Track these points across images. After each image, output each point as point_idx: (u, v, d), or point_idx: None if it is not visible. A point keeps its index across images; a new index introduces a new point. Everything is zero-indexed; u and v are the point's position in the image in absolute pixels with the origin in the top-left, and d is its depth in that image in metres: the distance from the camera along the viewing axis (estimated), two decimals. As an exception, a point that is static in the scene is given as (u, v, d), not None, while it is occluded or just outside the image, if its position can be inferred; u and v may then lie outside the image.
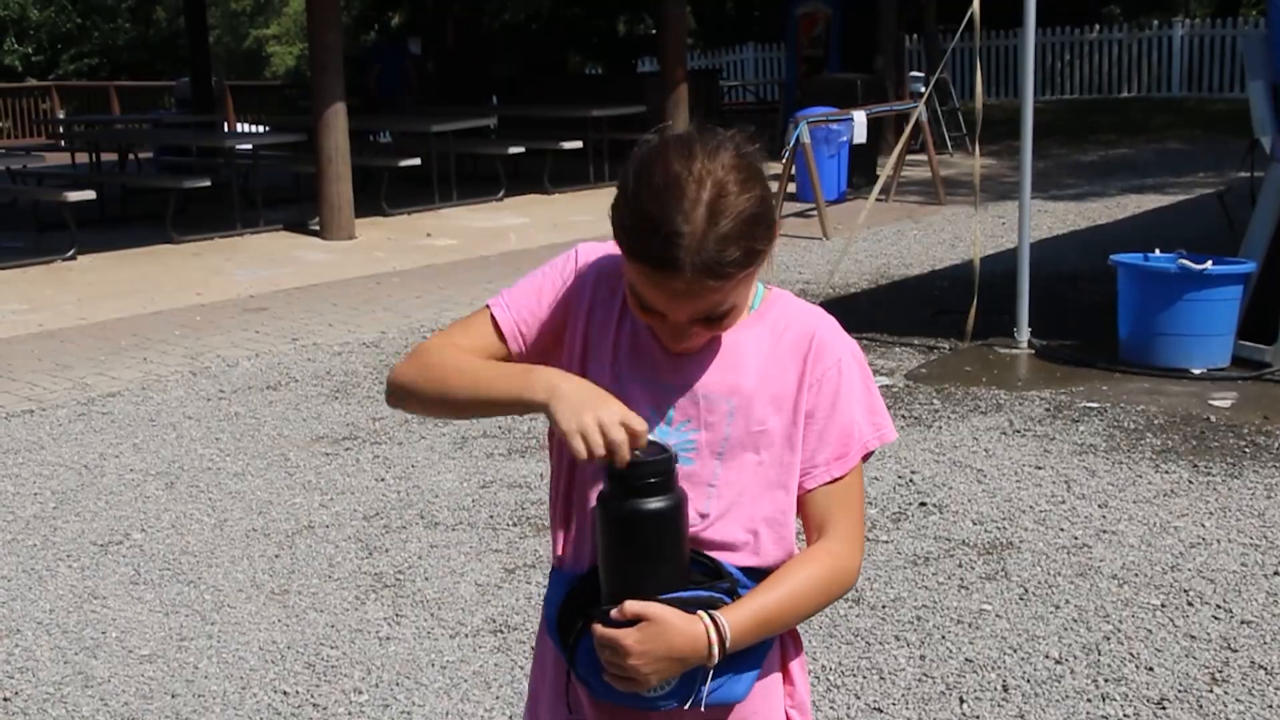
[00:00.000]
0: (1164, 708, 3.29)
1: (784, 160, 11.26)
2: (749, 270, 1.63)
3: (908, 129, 9.18)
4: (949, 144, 16.25)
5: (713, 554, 1.71)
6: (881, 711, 3.34)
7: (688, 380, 1.71)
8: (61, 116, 22.59)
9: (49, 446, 5.80)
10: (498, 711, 3.42)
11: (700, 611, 1.63)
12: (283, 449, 5.65)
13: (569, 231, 11.15)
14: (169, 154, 16.00)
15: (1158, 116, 19.42)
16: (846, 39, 16.66)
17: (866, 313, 7.78)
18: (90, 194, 10.78)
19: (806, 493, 1.74)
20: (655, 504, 1.60)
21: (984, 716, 3.29)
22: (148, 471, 5.42)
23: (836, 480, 1.74)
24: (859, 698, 3.41)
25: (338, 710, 3.45)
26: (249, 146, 13.18)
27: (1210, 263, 6.19)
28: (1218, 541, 4.31)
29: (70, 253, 10.28)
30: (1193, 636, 3.66)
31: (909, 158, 13.31)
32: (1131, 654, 3.57)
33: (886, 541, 4.36)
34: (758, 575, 1.71)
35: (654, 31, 23.70)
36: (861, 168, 13.00)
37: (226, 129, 18.75)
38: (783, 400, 1.72)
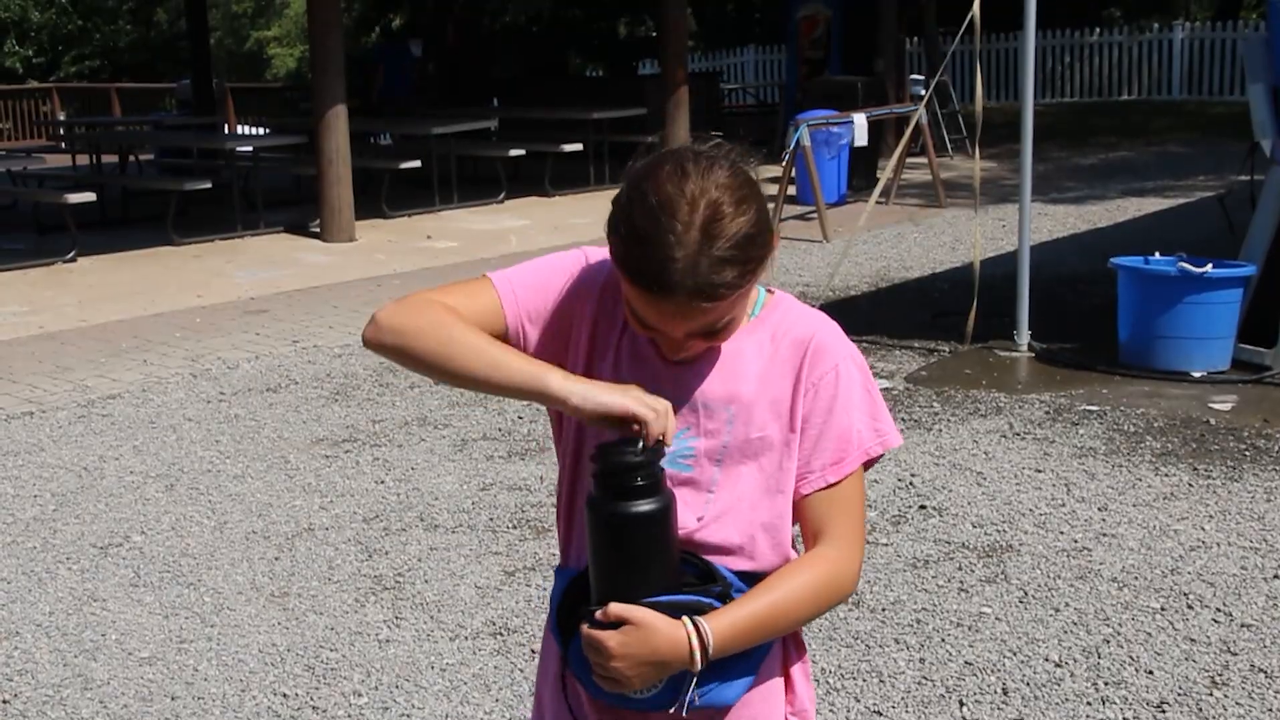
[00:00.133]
0: (1164, 711, 3.29)
1: (784, 163, 11.26)
2: (745, 288, 1.62)
3: (908, 131, 9.18)
4: (949, 146, 16.25)
5: (707, 558, 1.71)
6: (881, 715, 3.34)
7: (688, 388, 1.71)
8: (62, 118, 22.59)
9: (49, 448, 5.80)
10: (497, 714, 3.42)
11: (684, 617, 1.62)
12: (283, 451, 5.65)
13: (569, 234, 11.14)
14: (170, 156, 15.99)
15: (1158, 119, 19.42)
16: (847, 41, 16.66)
17: (866, 315, 7.78)
18: (91, 196, 10.77)
19: (803, 498, 1.73)
20: (643, 507, 1.60)
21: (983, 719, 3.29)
22: (148, 474, 5.42)
23: (832, 486, 1.73)
24: (859, 701, 3.41)
25: (337, 713, 3.45)
26: (250, 148, 13.18)
27: (1210, 266, 6.19)
28: (1218, 545, 4.31)
29: (71, 255, 10.28)
30: (1192, 640, 3.66)
31: (909, 160, 13.31)
32: (1131, 657, 3.57)
33: (886, 544, 4.36)
34: (753, 580, 1.71)
35: (654, 34, 23.69)
36: (862, 170, 13.00)
37: (227, 131, 18.74)
38: (780, 406, 1.72)
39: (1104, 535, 4.42)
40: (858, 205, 11.48)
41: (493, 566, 4.34)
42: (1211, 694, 3.37)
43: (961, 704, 3.36)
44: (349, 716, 3.43)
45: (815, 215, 11.01)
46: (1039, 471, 5.06)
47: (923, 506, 4.73)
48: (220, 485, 5.25)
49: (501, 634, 3.85)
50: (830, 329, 1.76)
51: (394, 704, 3.48)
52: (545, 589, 4.09)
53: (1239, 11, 24.36)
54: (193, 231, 11.27)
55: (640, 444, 1.60)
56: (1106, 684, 3.43)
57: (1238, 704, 3.32)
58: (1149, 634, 3.70)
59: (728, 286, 1.58)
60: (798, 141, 10.94)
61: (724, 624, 1.64)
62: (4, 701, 3.58)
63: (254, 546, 4.60)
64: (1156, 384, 6.18)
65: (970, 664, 3.57)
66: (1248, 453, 5.22)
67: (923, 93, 12.37)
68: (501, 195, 13.23)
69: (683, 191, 1.58)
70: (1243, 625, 3.74)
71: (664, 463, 1.65)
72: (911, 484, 4.96)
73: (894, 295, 8.57)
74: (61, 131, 19.42)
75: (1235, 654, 3.57)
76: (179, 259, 10.51)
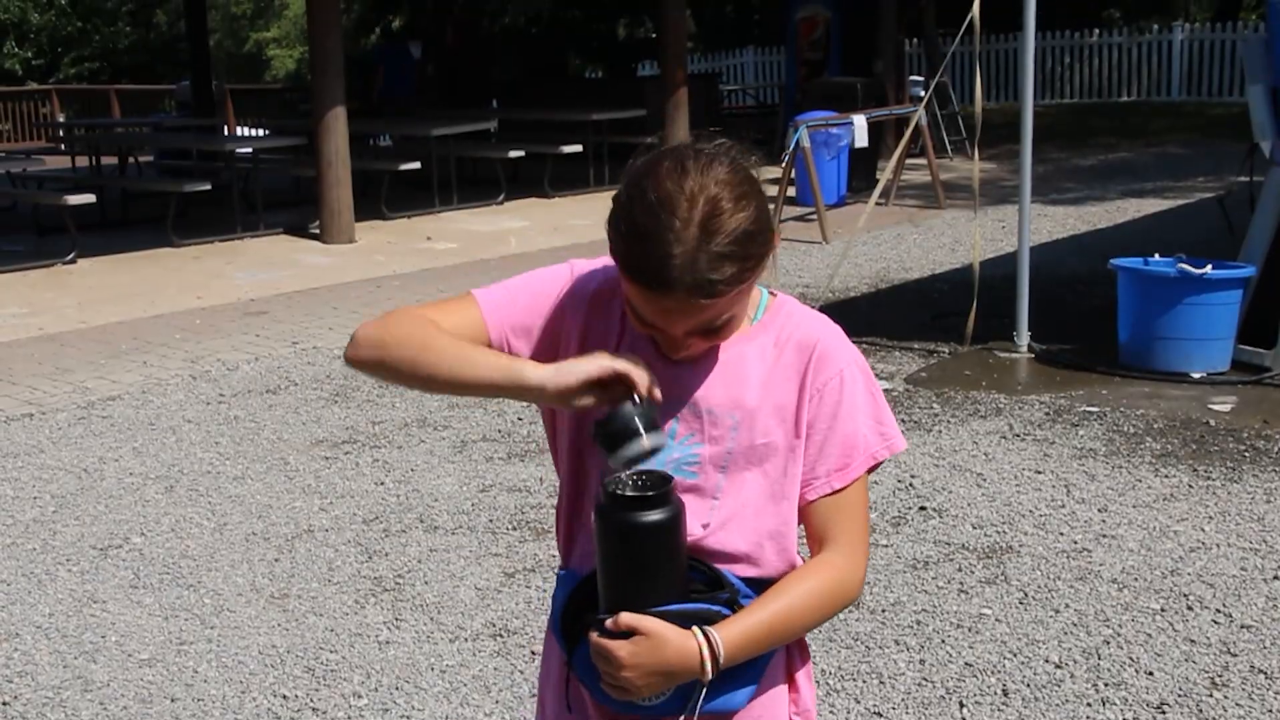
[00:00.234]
0: (1164, 712, 3.29)
1: (784, 164, 11.26)
2: (744, 285, 1.62)
3: (907, 133, 9.17)
4: (949, 148, 16.26)
5: (713, 564, 1.71)
6: (881, 716, 3.34)
7: (691, 395, 1.70)
8: (62, 120, 22.60)
9: (49, 450, 5.80)
10: (497, 715, 3.42)
11: (694, 627, 1.62)
12: (282, 453, 5.65)
13: (569, 235, 11.15)
14: (169, 157, 15.99)
15: (1157, 120, 19.42)
16: (846, 43, 16.66)
17: (866, 316, 7.78)
18: (90, 197, 10.77)
19: (808, 504, 1.73)
20: (653, 516, 1.59)
21: (984, 721, 3.29)
22: (147, 475, 5.42)
23: (838, 492, 1.73)
24: (859, 702, 3.41)
25: (337, 714, 3.45)
26: (249, 150, 13.17)
27: (1210, 267, 6.19)
28: (1217, 546, 4.31)
29: (70, 256, 10.28)
30: (1192, 641, 3.66)
31: (909, 161, 13.31)
32: (1131, 658, 3.57)
33: (886, 546, 4.36)
34: (759, 586, 1.71)
35: (654, 35, 23.72)
36: (861, 171, 13.01)
37: (227, 132, 18.75)
38: (785, 411, 1.71)
39: (1104, 536, 4.42)
40: (857, 206, 11.49)
41: (492, 568, 4.34)
42: (1211, 695, 3.37)
43: (962, 705, 3.36)
44: (349, 718, 3.43)
45: (815, 216, 11.01)
46: (1039, 473, 5.06)
47: (923, 508, 4.73)
48: (220, 487, 5.25)
49: (501, 635, 3.85)
50: (834, 333, 1.76)
51: (394, 705, 3.48)
52: (545, 590, 4.09)
53: (1238, 12, 24.37)
54: (192, 233, 11.27)
55: (635, 398, 1.60)
56: (1106, 685, 3.43)
57: (1238, 705, 3.32)
58: (1149, 635, 3.70)
59: (726, 283, 1.58)
60: (797, 143, 10.94)
61: (734, 633, 1.64)
62: (4, 704, 3.58)
63: (254, 548, 4.60)
64: (1156, 385, 6.18)
65: (970, 665, 3.57)
66: (1247, 454, 5.22)
67: (922, 94, 12.37)
68: (501, 196, 13.23)
69: (682, 188, 1.58)
70: (1243, 626, 3.74)
71: (670, 470, 1.65)
72: (911, 485, 4.96)
73: (894, 296, 8.57)
74: (61, 133, 19.43)
75: (1235, 655, 3.57)
76: (179, 261, 10.51)
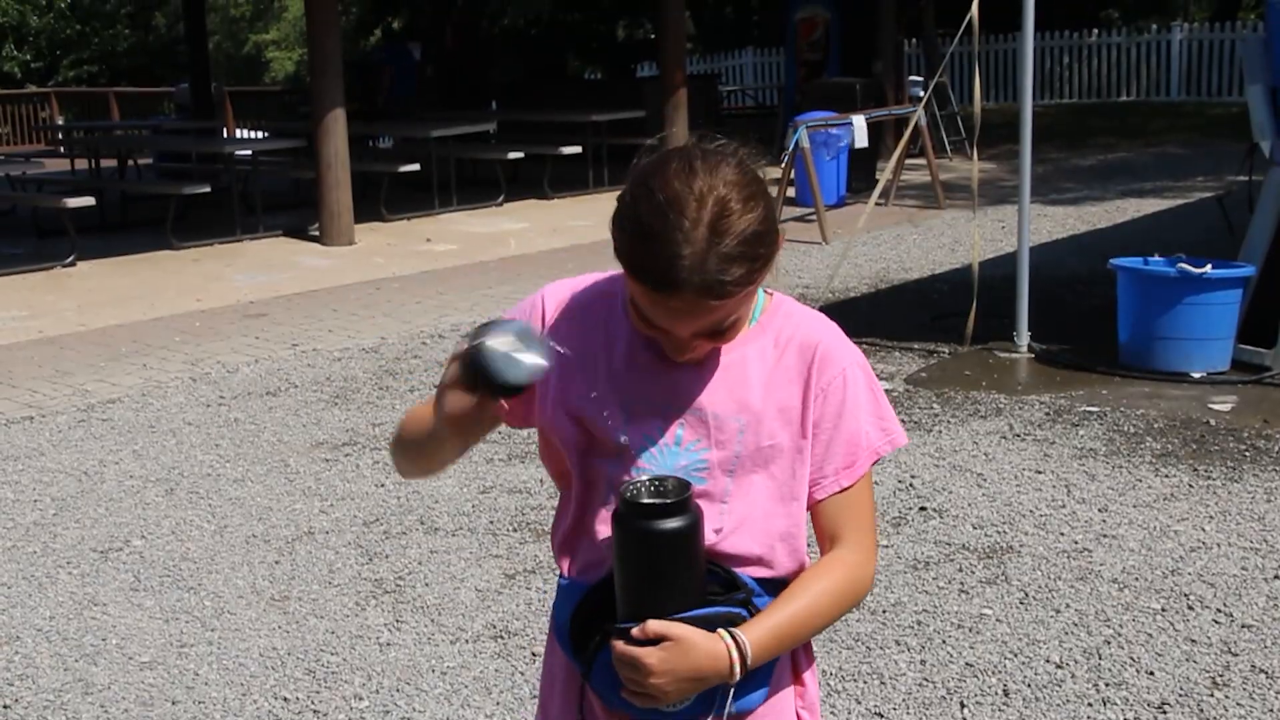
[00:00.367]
0: (1165, 712, 3.29)
1: (783, 165, 11.26)
2: (752, 286, 1.62)
3: (907, 133, 9.17)
4: (948, 148, 16.26)
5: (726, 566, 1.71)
6: (882, 717, 3.34)
7: (695, 400, 1.70)
8: (61, 123, 22.59)
9: (49, 453, 5.80)
10: (498, 717, 3.42)
11: (721, 630, 1.63)
12: (283, 455, 5.65)
13: (569, 236, 11.15)
14: (168, 160, 15.98)
15: (1156, 120, 19.43)
16: (846, 43, 16.67)
17: (866, 317, 7.78)
18: (90, 200, 10.77)
19: (816, 503, 1.74)
20: (674, 523, 1.59)
21: (985, 721, 3.29)
22: (148, 478, 5.42)
23: (845, 490, 1.74)
24: (860, 703, 3.41)
25: (338, 716, 3.45)
26: (248, 152, 13.17)
27: (1210, 266, 6.19)
28: (1218, 545, 4.31)
29: (70, 259, 10.28)
30: (1193, 640, 3.66)
31: (908, 162, 13.31)
32: (1132, 658, 3.57)
33: (887, 546, 4.36)
34: (772, 587, 1.72)
35: (653, 36, 23.71)
36: (861, 172, 13.00)
37: (226, 135, 18.75)
38: (790, 413, 1.71)
39: (1104, 536, 4.42)
40: (857, 207, 11.49)
41: (493, 569, 4.34)
42: (1212, 695, 3.37)
43: (963, 705, 3.36)
44: (350, 720, 3.43)
45: (814, 217, 11.01)
46: (1039, 473, 5.06)
47: (923, 508, 4.73)
48: (220, 489, 5.25)
49: (502, 637, 3.85)
50: (833, 332, 1.76)
51: (395, 707, 3.48)
52: (546, 592, 4.09)
53: (1237, 12, 24.38)
54: (192, 236, 11.27)
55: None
56: (1107, 685, 3.43)
57: (1239, 705, 3.32)
58: (1150, 635, 3.70)
59: (735, 284, 1.58)
60: (797, 143, 10.94)
61: (759, 634, 1.65)
62: (5, 707, 3.58)
63: (254, 550, 4.60)
64: (1156, 385, 6.18)
65: (971, 665, 3.57)
66: (1248, 453, 5.22)
67: (921, 94, 12.37)
68: (500, 198, 13.23)
69: (690, 188, 1.57)
70: (1243, 626, 3.74)
71: (680, 474, 1.66)
72: (912, 485, 4.96)
73: (893, 297, 8.57)
74: (60, 136, 19.41)
75: (1236, 655, 3.57)
76: (178, 263, 10.52)
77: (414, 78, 18.13)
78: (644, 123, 14.35)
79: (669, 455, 1.69)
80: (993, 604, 3.94)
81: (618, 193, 1.65)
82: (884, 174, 10.41)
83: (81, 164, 15.03)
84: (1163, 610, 3.85)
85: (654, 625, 1.60)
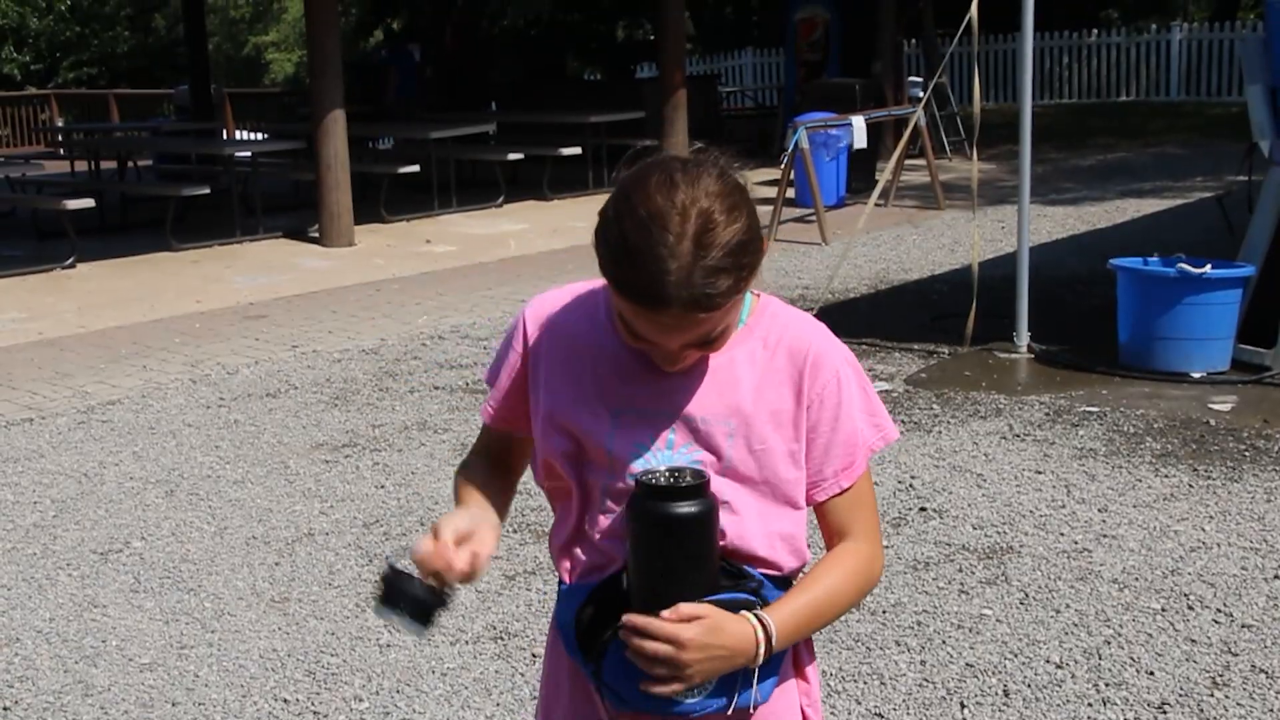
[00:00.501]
0: (1165, 712, 3.29)
1: (783, 165, 11.26)
2: (739, 295, 1.62)
3: (906, 134, 9.17)
4: (948, 148, 16.26)
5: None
6: (882, 717, 3.34)
7: (685, 405, 1.70)
8: (60, 125, 22.58)
9: (49, 455, 5.80)
10: (498, 718, 3.42)
11: (745, 612, 1.64)
12: (282, 456, 5.65)
13: (568, 237, 11.15)
14: (168, 161, 15.99)
15: (1156, 120, 19.43)
16: (845, 44, 16.67)
17: (866, 317, 7.78)
18: (89, 202, 10.77)
19: (820, 503, 1.75)
20: (690, 508, 1.60)
21: (985, 722, 3.29)
22: (148, 479, 5.42)
23: (846, 490, 1.75)
24: (860, 703, 3.41)
25: (338, 718, 3.45)
26: (248, 154, 13.17)
27: (1209, 266, 6.19)
28: (1218, 545, 4.31)
29: (70, 261, 10.28)
30: (1193, 640, 3.66)
31: (908, 162, 13.31)
32: (1132, 658, 3.57)
33: (887, 546, 4.36)
34: (776, 583, 1.72)
35: (653, 37, 23.71)
36: (860, 173, 13.00)
37: (226, 136, 18.74)
38: (781, 417, 1.71)
39: (1104, 536, 4.42)
40: (856, 207, 11.49)
41: (492, 571, 4.34)
42: (1212, 695, 3.37)
43: (963, 706, 3.36)
44: (350, 721, 3.43)
45: (814, 218, 11.01)
46: (1039, 473, 5.06)
47: (923, 509, 4.73)
48: (220, 491, 5.25)
49: (502, 638, 3.85)
50: (823, 335, 1.76)
51: (395, 709, 3.48)
52: (546, 593, 4.09)
53: (1237, 12, 24.37)
54: (191, 237, 11.27)
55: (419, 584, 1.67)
56: (1107, 685, 3.43)
57: (1239, 704, 3.32)
58: (1150, 635, 3.70)
59: (723, 295, 1.57)
60: (796, 144, 10.94)
61: (782, 616, 1.66)
62: (4, 709, 3.58)
63: (254, 552, 4.60)
64: (1156, 385, 6.18)
65: (971, 666, 3.57)
66: (1247, 453, 5.22)
67: (921, 95, 12.37)
68: (500, 199, 13.23)
69: (673, 202, 1.56)
70: (1243, 626, 3.74)
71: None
72: (911, 486, 4.96)
73: (893, 297, 8.57)
74: (60, 138, 19.40)
75: (1236, 654, 3.57)
76: (178, 265, 10.52)
77: (419, 79, 18.21)
78: (643, 124, 14.36)
79: (661, 461, 1.69)
80: (993, 604, 3.94)
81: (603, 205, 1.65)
82: (883, 174, 10.41)
83: (81, 166, 15.03)
84: (1163, 610, 3.85)
85: (686, 607, 1.60)
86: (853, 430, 1.73)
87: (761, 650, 1.63)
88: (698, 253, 1.55)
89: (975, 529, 4.52)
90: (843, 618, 3.83)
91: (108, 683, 3.69)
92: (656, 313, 1.57)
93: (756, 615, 1.64)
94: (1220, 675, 3.47)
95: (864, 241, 10.40)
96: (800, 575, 1.77)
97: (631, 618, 1.60)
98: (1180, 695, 3.37)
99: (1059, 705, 3.35)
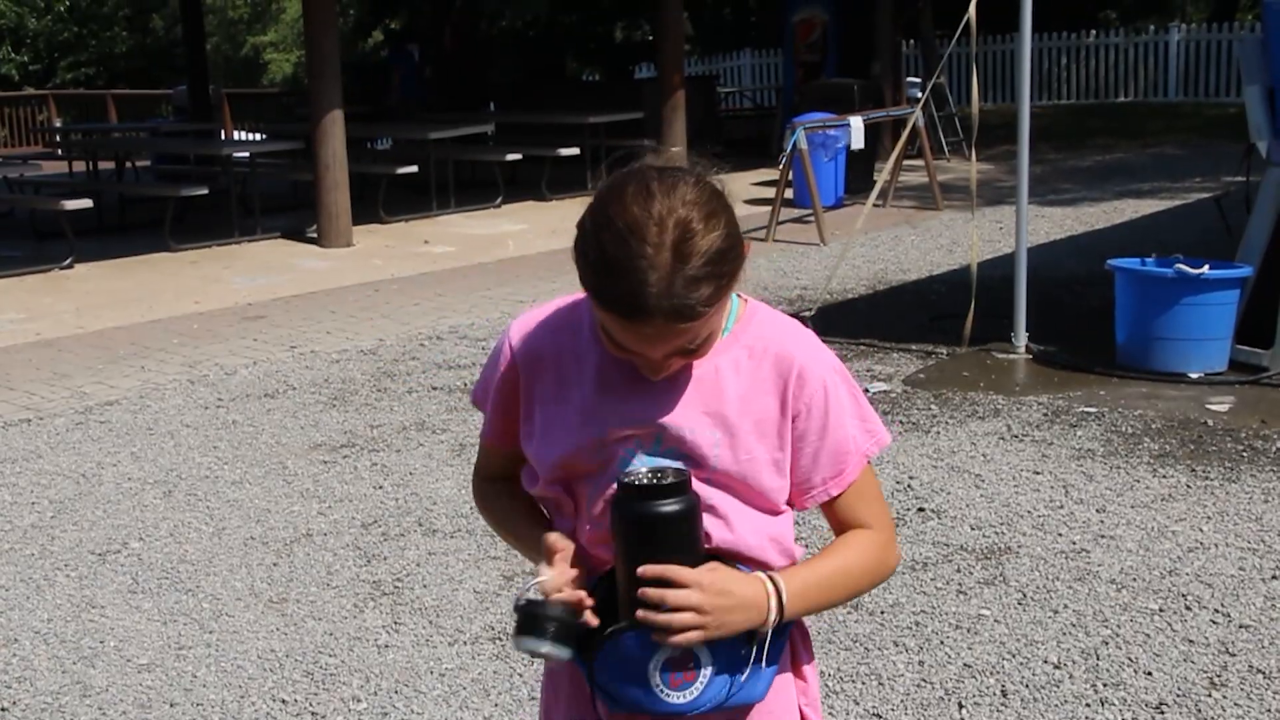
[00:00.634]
0: (1162, 712, 3.29)
1: (781, 166, 11.27)
2: (721, 302, 1.61)
3: (905, 134, 9.19)
4: (946, 149, 16.27)
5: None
6: (880, 717, 3.34)
7: (670, 414, 1.70)
8: (58, 125, 22.57)
9: (47, 455, 5.80)
10: (496, 719, 3.42)
11: (757, 572, 1.67)
12: (281, 457, 5.65)
13: (567, 238, 10.94)
14: (166, 162, 15.99)
15: (1154, 121, 19.44)
16: (843, 44, 16.68)
17: (864, 318, 7.78)
18: (88, 202, 10.77)
19: (827, 504, 1.76)
20: (672, 506, 1.61)
21: (983, 722, 3.29)
22: (146, 480, 5.42)
23: (836, 497, 1.75)
24: (858, 704, 3.41)
25: (336, 718, 3.45)
26: (246, 154, 13.17)
27: (1207, 267, 6.19)
28: (1215, 546, 4.31)
29: (68, 261, 10.28)
30: (1191, 641, 3.66)
31: (906, 163, 13.31)
32: (1130, 659, 3.57)
33: (885, 547, 4.35)
34: None
35: (651, 38, 23.72)
36: (859, 173, 13.01)
37: (224, 137, 18.75)
38: (766, 426, 1.71)
39: (1102, 537, 4.42)
40: (855, 208, 11.49)
41: (491, 571, 4.34)
42: (1210, 695, 3.37)
43: (961, 706, 3.36)
44: (348, 722, 3.43)
45: (812, 218, 11.01)
46: (1037, 473, 5.06)
47: (921, 509, 4.73)
48: (218, 491, 5.25)
49: (500, 639, 3.85)
50: (808, 345, 1.75)
51: (393, 709, 3.48)
52: (544, 593, 4.08)
53: (1235, 13, 24.40)
54: (190, 238, 11.27)
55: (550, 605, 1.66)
56: (1105, 685, 3.43)
57: (1236, 705, 3.32)
58: (1147, 635, 3.70)
59: (704, 304, 1.57)
60: (794, 145, 10.94)
61: (794, 583, 1.68)
62: (3, 709, 3.57)
63: (252, 552, 4.60)
64: (1154, 385, 6.18)
65: (969, 666, 3.57)
66: (1245, 454, 5.23)
67: (919, 95, 12.38)
68: (499, 200, 13.24)
69: (650, 212, 1.56)
70: (1241, 626, 3.74)
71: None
72: (910, 487, 4.96)
73: (891, 298, 8.57)
74: (58, 138, 19.39)
75: (1233, 655, 3.57)
76: (176, 265, 10.51)
77: (422, 79, 18.28)
78: (642, 124, 14.36)
79: (644, 464, 1.69)
80: (991, 604, 3.94)
81: (580, 217, 1.65)
82: (882, 175, 10.42)
83: (79, 166, 15.03)
84: (1160, 611, 3.86)
85: (686, 573, 1.62)
86: (842, 438, 1.73)
87: (772, 606, 1.64)
88: (677, 263, 1.55)
89: (973, 529, 4.52)
90: (840, 618, 3.84)
91: (106, 683, 3.69)
92: (638, 324, 1.57)
93: (769, 575, 1.66)
94: (1218, 675, 3.47)
95: (862, 242, 10.41)
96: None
97: (648, 568, 1.60)
98: (1178, 695, 3.37)
99: (1057, 705, 3.35)
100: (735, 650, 1.66)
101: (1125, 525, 4.52)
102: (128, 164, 15.63)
